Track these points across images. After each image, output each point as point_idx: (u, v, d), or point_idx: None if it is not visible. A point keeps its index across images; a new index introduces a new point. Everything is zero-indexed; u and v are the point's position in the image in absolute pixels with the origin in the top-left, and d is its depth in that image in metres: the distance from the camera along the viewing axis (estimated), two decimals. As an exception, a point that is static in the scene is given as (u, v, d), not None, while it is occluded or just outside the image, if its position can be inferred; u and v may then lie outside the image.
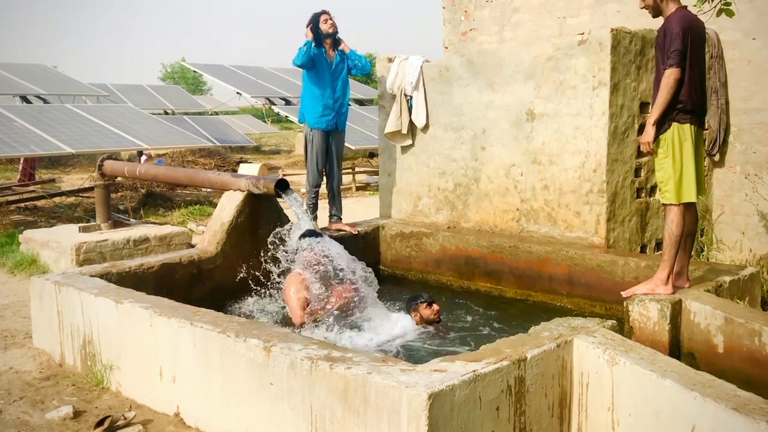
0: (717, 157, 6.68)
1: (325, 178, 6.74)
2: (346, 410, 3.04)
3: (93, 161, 12.45)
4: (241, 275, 5.35)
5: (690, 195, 4.13)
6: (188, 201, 11.63)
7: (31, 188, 12.43)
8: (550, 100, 5.71)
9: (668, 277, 4.22)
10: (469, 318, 5.22)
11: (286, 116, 18.29)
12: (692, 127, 4.13)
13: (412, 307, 5.01)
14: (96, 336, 4.36)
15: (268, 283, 5.35)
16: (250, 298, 5.41)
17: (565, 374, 3.45)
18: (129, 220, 8.50)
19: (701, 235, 6.56)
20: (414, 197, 6.85)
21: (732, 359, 3.95)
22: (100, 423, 3.70)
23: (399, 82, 6.70)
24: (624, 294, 4.34)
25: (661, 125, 4.13)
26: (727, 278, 4.58)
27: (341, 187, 7.00)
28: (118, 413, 3.85)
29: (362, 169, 15.05)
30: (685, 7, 4.22)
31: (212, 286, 5.37)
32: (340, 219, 6.71)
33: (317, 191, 6.69)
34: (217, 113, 28.00)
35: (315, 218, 6.31)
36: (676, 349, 4.12)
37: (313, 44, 6.41)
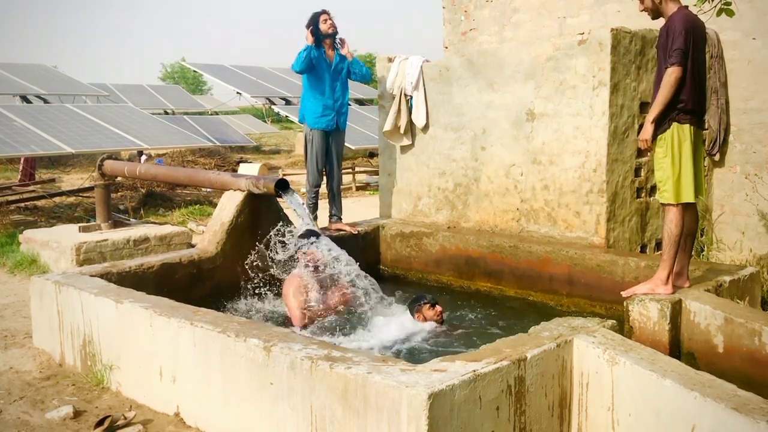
0: (717, 157, 6.68)
1: (325, 178, 6.74)
2: (346, 410, 3.04)
3: (93, 161, 12.44)
4: (241, 275, 5.35)
5: (688, 195, 4.13)
6: (188, 201, 11.63)
7: (31, 188, 12.43)
8: (550, 100, 5.71)
9: (668, 277, 4.22)
10: (469, 318, 5.22)
11: (286, 116, 18.29)
12: (692, 127, 4.13)
13: (415, 308, 5.01)
14: (96, 336, 4.36)
15: (269, 283, 5.36)
16: (250, 298, 5.42)
17: (565, 374, 3.45)
18: (129, 220, 8.51)
19: (701, 235, 6.57)
20: (414, 197, 6.85)
21: (732, 359, 3.95)
22: (100, 423, 3.70)
23: (399, 82, 6.70)
24: (624, 294, 4.34)
25: (661, 124, 4.14)
26: (727, 278, 4.58)
27: (341, 187, 7.00)
28: (118, 413, 3.85)
29: (362, 169, 15.04)
30: (686, 6, 4.22)
31: (212, 286, 5.37)
32: (340, 219, 6.71)
33: (317, 191, 6.69)
34: (217, 113, 28.01)
35: (315, 218, 6.31)
36: (676, 349, 4.12)
37: (313, 49, 6.40)
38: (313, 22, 6.51)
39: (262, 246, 5.41)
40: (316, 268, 5.15)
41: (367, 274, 5.24)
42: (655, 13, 4.26)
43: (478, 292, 5.93)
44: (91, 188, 10.65)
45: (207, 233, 5.64)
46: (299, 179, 11.76)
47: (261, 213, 5.66)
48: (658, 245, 5.75)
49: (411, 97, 6.66)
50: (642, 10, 4.31)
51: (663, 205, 4.24)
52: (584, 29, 7.23)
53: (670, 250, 4.17)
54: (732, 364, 3.93)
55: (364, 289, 5.10)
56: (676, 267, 4.26)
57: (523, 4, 8.31)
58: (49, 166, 16.62)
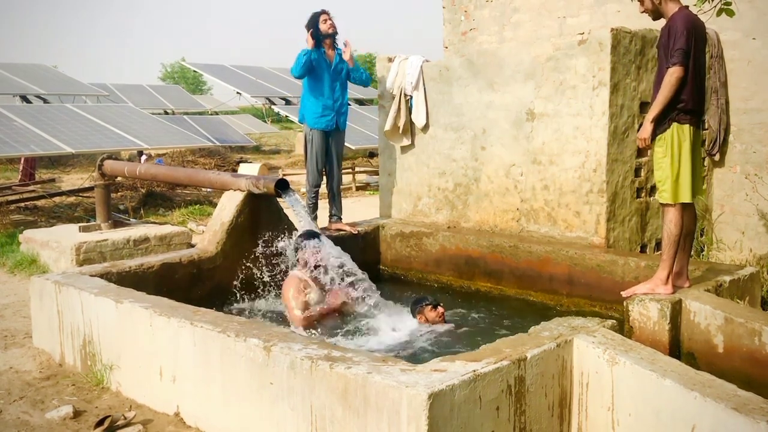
0: (717, 157, 6.69)
1: (325, 178, 6.74)
2: (346, 410, 3.04)
3: (93, 161, 12.45)
4: (241, 275, 5.35)
5: (686, 195, 4.13)
6: (188, 201, 11.63)
7: (31, 188, 12.44)
8: (550, 100, 5.71)
9: (668, 277, 4.22)
10: (469, 318, 5.22)
11: (286, 116, 18.29)
12: (691, 127, 4.13)
13: (417, 309, 5.01)
14: (96, 336, 4.36)
15: (269, 283, 5.36)
16: (250, 298, 5.41)
17: (565, 374, 3.45)
18: (129, 220, 8.51)
19: (701, 235, 6.57)
20: (414, 197, 6.85)
21: (732, 359, 3.95)
22: (100, 423, 3.70)
23: (399, 81, 6.70)
24: (624, 294, 4.34)
25: (661, 123, 4.14)
26: (727, 278, 4.58)
27: (341, 187, 7.00)
28: (118, 413, 3.85)
29: (362, 169, 15.05)
30: (686, 6, 4.22)
31: (212, 286, 5.37)
32: (340, 219, 6.71)
33: (317, 191, 6.69)
34: (217, 113, 28.02)
35: (315, 218, 6.31)
36: (676, 348, 4.12)
37: (312, 52, 6.40)
38: (313, 23, 6.51)
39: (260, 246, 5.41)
40: (316, 268, 5.15)
41: (366, 275, 5.24)
42: (656, 14, 4.26)
43: (478, 292, 5.93)
44: (91, 188, 10.66)
45: (207, 233, 5.64)
46: (299, 179, 11.76)
47: (261, 213, 5.66)
48: (658, 245, 5.75)
49: (411, 97, 6.66)
50: (642, 12, 4.31)
51: (662, 205, 4.24)
52: (584, 29, 7.23)
53: (670, 249, 4.17)
54: (732, 364, 3.93)
55: (364, 289, 5.10)
56: (675, 267, 4.26)
57: (523, 4, 8.31)
58: (49, 166, 16.63)
